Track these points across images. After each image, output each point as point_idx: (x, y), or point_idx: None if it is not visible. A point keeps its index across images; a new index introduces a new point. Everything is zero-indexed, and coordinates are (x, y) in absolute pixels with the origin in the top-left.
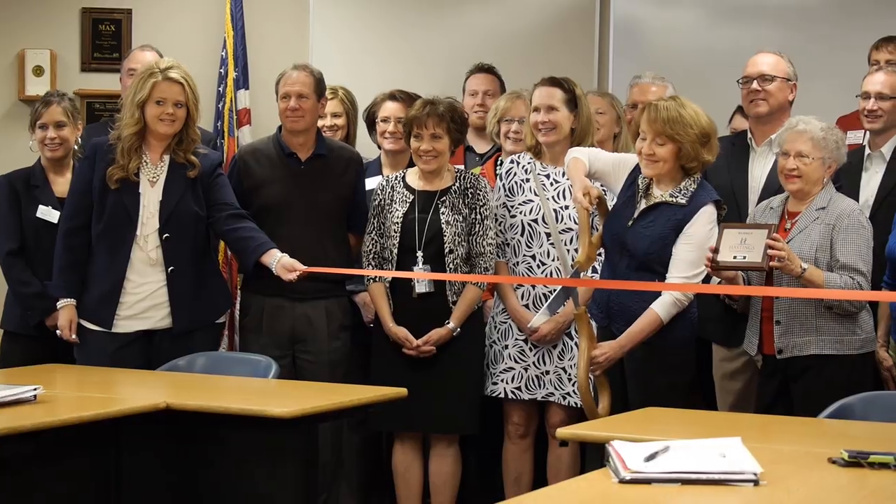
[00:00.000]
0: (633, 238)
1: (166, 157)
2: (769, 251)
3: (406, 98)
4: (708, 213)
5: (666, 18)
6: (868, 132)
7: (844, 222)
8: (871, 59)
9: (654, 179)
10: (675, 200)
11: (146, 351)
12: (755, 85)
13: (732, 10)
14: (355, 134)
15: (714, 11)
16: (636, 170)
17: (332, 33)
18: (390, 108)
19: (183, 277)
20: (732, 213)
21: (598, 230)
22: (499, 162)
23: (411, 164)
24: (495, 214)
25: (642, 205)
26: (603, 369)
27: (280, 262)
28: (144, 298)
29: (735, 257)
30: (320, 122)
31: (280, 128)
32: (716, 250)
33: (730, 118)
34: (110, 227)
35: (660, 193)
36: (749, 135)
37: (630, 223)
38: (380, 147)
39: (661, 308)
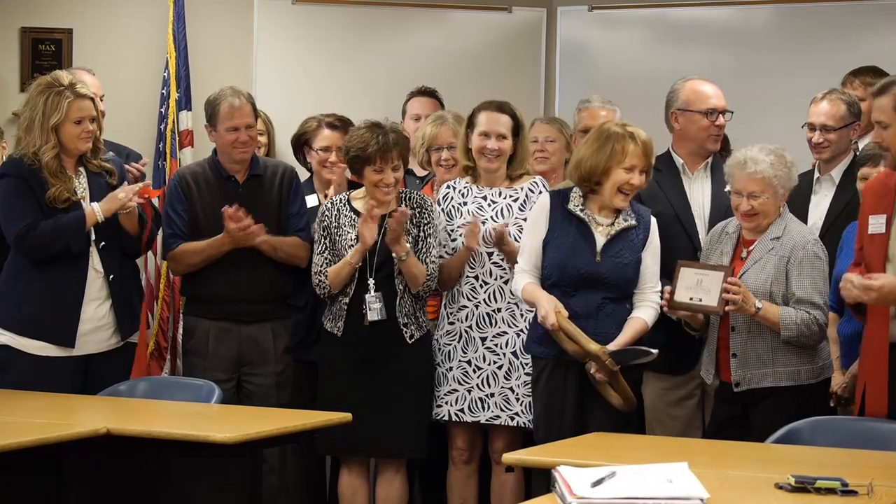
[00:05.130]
0: (610, 270)
1: (81, 170)
2: (724, 295)
3: (342, 125)
4: (655, 222)
5: (612, 40)
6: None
7: (799, 255)
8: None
9: (595, 207)
10: (629, 224)
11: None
12: (721, 120)
13: (678, 32)
14: (275, 153)
15: (660, 33)
16: (555, 203)
17: (275, 54)
18: (330, 137)
19: (120, 285)
20: (681, 238)
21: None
22: (434, 188)
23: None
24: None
25: (599, 237)
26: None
27: (105, 204)
28: (101, 317)
29: (691, 298)
30: None
31: (215, 151)
32: (672, 289)
33: None
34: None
35: (608, 221)
36: (677, 160)
37: (598, 258)
38: (309, 170)
39: (647, 316)
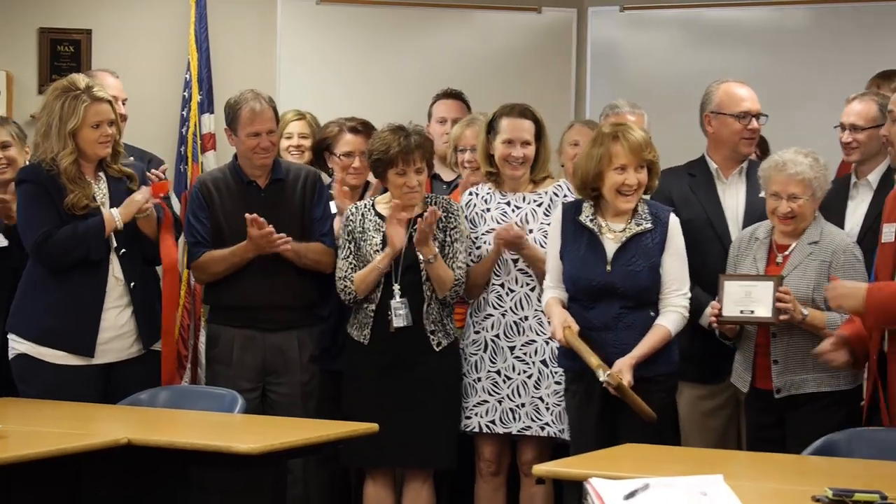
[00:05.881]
0: (623, 279)
1: (101, 175)
2: (778, 304)
3: (364, 129)
4: (677, 222)
5: (644, 41)
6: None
7: (841, 259)
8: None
9: (608, 213)
10: (642, 227)
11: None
12: (755, 123)
13: (711, 32)
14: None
15: (693, 33)
16: (567, 215)
17: (299, 55)
18: (352, 142)
19: (142, 293)
20: (714, 245)
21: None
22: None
23: (367, 191)
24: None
25: (610, 245)
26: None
27: (124, 209)
28: (122, 324)
29: (742, 311)
30: (286, 143)
31: (236, 156)
32: (720, 305)
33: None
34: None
35: (620, 228)
36: (711, 165)
37: (609, 267)
38: (331, 175)
39: (670, 323)
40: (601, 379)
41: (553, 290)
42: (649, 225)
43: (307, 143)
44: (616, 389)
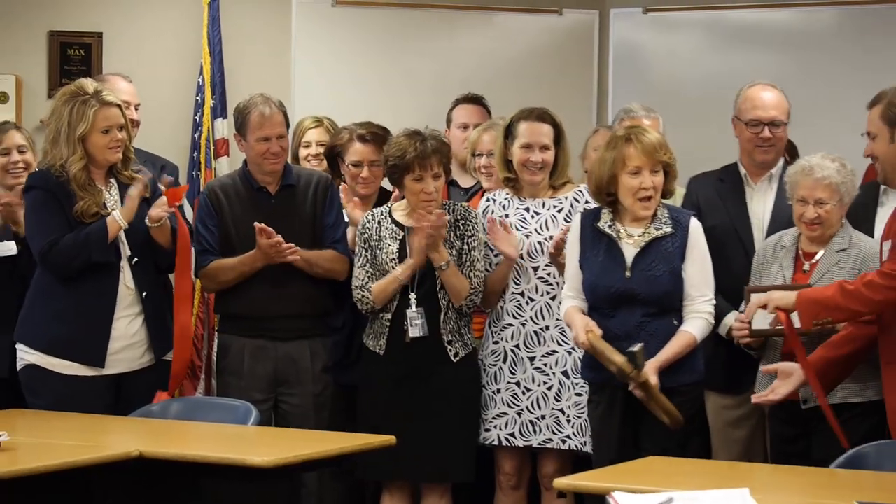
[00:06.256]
0: (642, 285)
1: (112, 181)
2: None
3: (375, 138)
4: (699, 226)
5: (668, 44)
6: None
7: (870, 267)
8: None
9: (627, 218)
10: (662, 232)
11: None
12: (767, 132)
13: (737, 35)
14: None
15: (718, 36)
16: (585, 222)
17: (314, 59)
18: (361, 151)
19: (154, 302)
20: (737, 252)
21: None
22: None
23: (382, 198)
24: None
25: (629, 250)
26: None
27: (125, 209)
28: (133, 334)
29: (771, 324)
30: (304, 152)
31: (246, 162)
32: (749, 319)
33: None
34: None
35: (639, 232)
36: (742, 170)
37: (628, 273)
38: (344, 181)
39: (696, 329)
40: (628, 373)
41: (572, 300)
42: (669, 229)
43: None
44: (642, 389)
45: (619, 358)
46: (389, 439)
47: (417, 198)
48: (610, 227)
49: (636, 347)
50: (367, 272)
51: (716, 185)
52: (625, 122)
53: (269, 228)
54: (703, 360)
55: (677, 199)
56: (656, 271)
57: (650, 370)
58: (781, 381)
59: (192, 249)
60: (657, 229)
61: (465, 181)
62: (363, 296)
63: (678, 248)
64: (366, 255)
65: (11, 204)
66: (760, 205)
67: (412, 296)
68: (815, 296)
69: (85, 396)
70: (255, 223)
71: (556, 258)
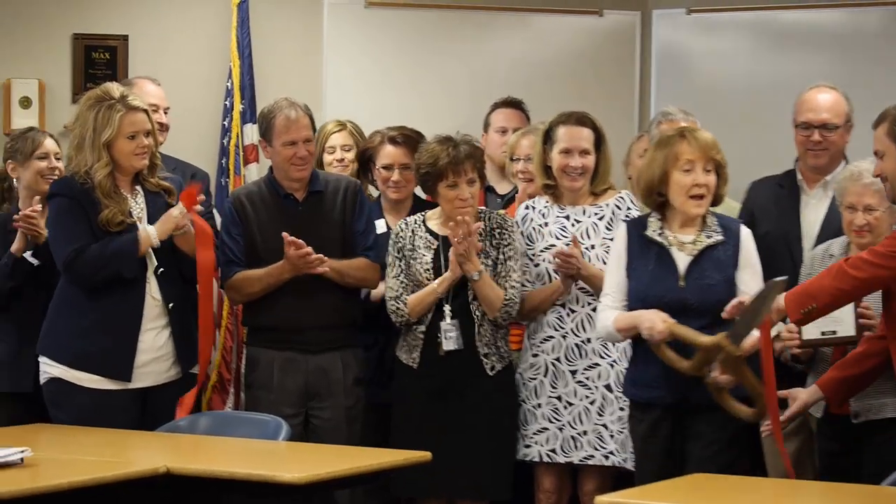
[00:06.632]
0: (697, 294)
1: (138, 189)
2: (862, 321)
3: (407, 140)
4: (749, 234)
5: (712, 46)
6: None
7: None
8: None
9: (676, 224)
10: (714, 239)
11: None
12: (817, 136)
13: (784, 36)
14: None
15: (764, 37)
16: (632, 231)
17: (347, 62)
18: (392, 154)
19: (180, 313)
20: (784, 261)
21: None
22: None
23: (416, 208)
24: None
25: (682, 258)
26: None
27: (161, 225)
28: (160, 346)
29: (823, 333)
30: (328, 157)
31: (272, 168)
32: (798, 329)
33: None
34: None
35: (690, 239)
36: (798, 176)
37: (682, 282)
38: (376, 187)
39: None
40: (726, 348)
41: (615, 312)
42: (720, 237)
43: (350, 155)
44: (733, 369)
45: (707, 338)
46: (425, 455)
47: (452, 205)
48: (660, 234)
49: (779, 279)
50: (402, 282)
51: (773, 190)
52: (662, 126)
53: (299, 240)
54: None
55: (733, 213)
56: (710, 279)
57: (748, 346)
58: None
59: (216, 255)
60: (708, 237)
61: (503, 187)
62: (398, 307)
63: (730, 257)
64: (399, 265)
65: (31, 216)
66: (813, 213)
67: (446, 307)
68: (801, 287)
69: (110, 411)
70: (284, 234)
71: (565, 269)
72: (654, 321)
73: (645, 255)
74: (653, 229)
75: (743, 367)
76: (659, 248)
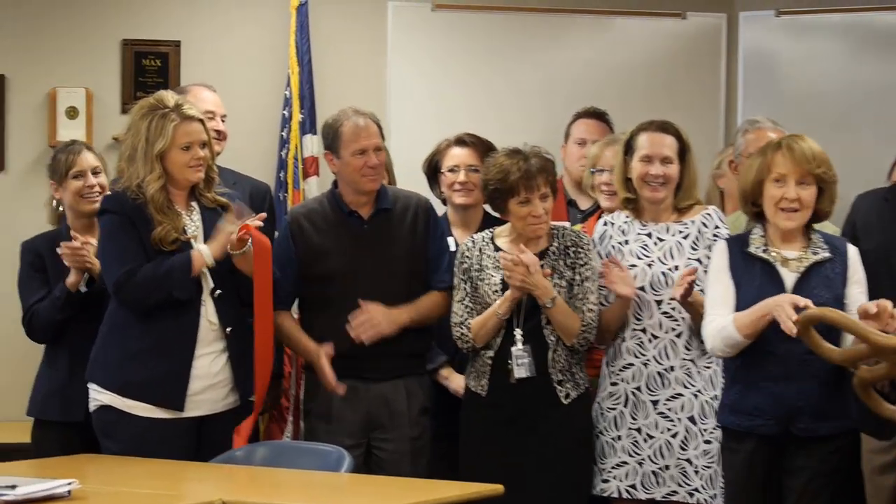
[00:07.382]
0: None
1: (194, 204)
2: None
3: (477, 142)
4: (856, 252)
5: (803, 49)
6: None
7: None
8: None
9: (777, 239)
10: (821, 256)
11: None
12: None
13: (880, 40)
14: (393, 178)
15: (858, 41)
16: (734, 248)
17: (412, 68)
18: (459, 155)
19: (239, 338)
20: (884, 280)
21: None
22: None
23: (487, 223)
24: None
25: (789, 276)
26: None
27: (215, 244)
28: (216, 373)
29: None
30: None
31: (335, 183)
32: None
33: (892, 167)
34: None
35: (796, 256)
36: None
37: None
38: (444, 202)
39: None
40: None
41: (730, 317)
42: (828, 254)
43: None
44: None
45: (883, 336)
46: (497, 488)
47: (525, 222)
48: (763, 251)
49: None
50: (467, 307)
51: (879, 204)
52: (749, 134)
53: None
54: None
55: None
56: (820, 298)
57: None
58: None
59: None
60: (814, 253)
61: (584, 202)
62: (462, 333)
63: (839, 275)
64: (465, 289)
65: (76, 248)
66: None
67: (517, 332)
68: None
69: (163, 440)
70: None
71: (685, 300)
72: (795, 301)
73: (749, 271)
74: (756, 245)
75: None
76: (763, 264)
